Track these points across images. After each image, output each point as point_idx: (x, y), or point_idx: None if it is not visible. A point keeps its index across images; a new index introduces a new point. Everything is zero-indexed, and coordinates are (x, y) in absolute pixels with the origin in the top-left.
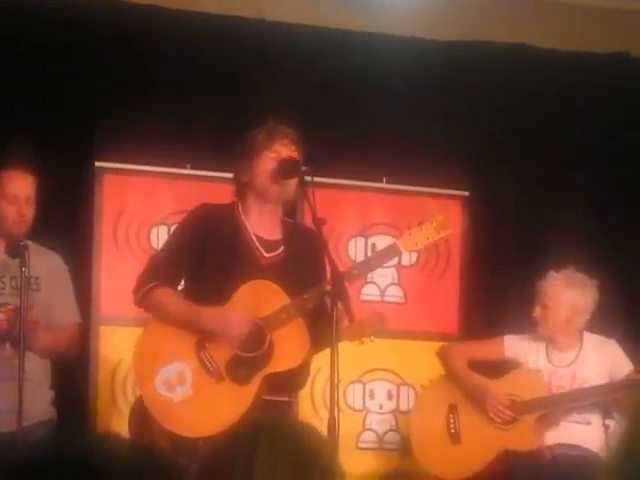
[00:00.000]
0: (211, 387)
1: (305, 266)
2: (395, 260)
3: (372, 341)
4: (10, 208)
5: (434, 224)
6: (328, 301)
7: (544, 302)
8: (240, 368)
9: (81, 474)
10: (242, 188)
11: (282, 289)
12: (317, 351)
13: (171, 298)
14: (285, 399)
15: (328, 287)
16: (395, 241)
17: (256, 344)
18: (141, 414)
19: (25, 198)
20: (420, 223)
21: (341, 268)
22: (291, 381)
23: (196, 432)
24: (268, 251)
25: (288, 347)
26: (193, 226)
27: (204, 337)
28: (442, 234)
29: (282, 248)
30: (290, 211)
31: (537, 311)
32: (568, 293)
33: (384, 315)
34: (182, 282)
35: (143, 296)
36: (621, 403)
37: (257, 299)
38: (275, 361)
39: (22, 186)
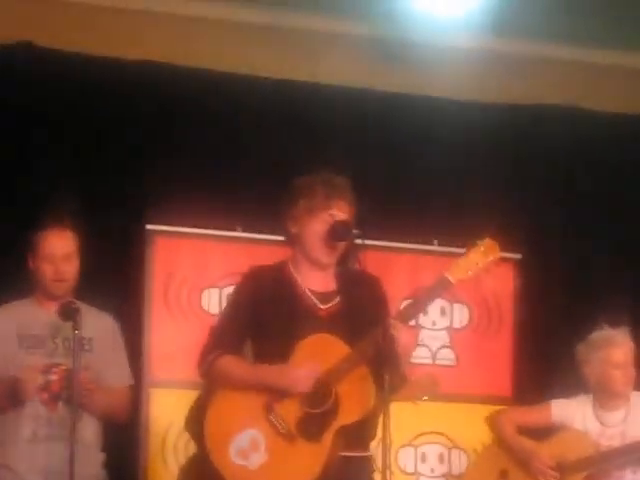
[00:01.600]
0: (285, 449)
1: (364, 312)
2: (447, 322)
3: (424, 401)
4: (48, 267)
5: (481, 249)
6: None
7: (589, 360)
8: (311, 425)
9: None
10: (292, 240)
11: (342, 339)
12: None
13: (235, 364)
14: (363, 454)
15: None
16: (444, 273)
17: (323, 399)
18: (201, 477)
19: (62, 256)
20: (467, 251)
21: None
22: (363, 433)
23: None
24: (324, 303)
25: (354, 397)
26: (248, 290)
27: (272, 399)
28: (491, 257)
29: (338, 298)
30: (342, 262)
31: (585, 373)
32: (609, 344)
33: (436, 376)
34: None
35: (208, 367)
36: None
37: (317, 353)
38: (343, 413)
39: (59, 245)
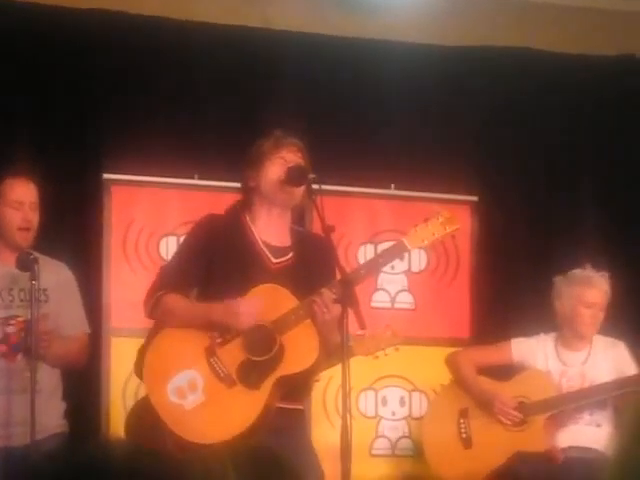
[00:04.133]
0: (223, 393)
1: (314, 272)
2: (405, 266)
3: (386, 355)
4: (15, 214)
5: (440, 220)
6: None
7: (562, 294)
8: (251, 372)
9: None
10: (249, 195)
11: (292, 292)
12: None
13: (180, 302)
14: (299, 407)
15: (334, 290)
16: (402, 239)
17: (266, 347)
18: (143, 418)
19: (29, 204)
20: (426, 219)
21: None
22: (301, 386)
23: (209, 438)
24: (276, 257)
25: (298, 349)
26: (200, 236)
27: (214, 343)
28: (448, 229)
29: (291, 254)
30: (298, 219)
31: (555, 307)
32: (598, 284)
33: (396, 330)
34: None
35: (153, 305)
36: (626, 401)
37: (265, 302)
38: (285, 364)
39: (25, 192)
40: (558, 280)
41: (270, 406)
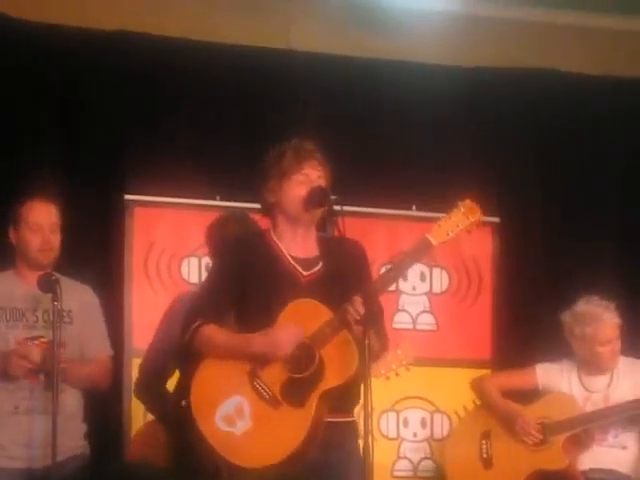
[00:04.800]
0: (270, 415)
1: (346, 277)
2: (426, 287)
3: (397, 375)
4: (35, 237)
5: (462, 210)
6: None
7: (575, 333)
8: (295, 390)
9: None
10: (271, 209)
11: (325, 304)
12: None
13: (218, 332)
14: (347, 419)
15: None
16: (425, 235)
17: (307, 363)
18: (152, 440)
19: (49, 226)
20: (448, 213)
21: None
22: (347, 397)
23: (262, 462)
24: (306, 269)
25: (338, 361)
26: (229, 259)
27: (256, 366)
28: (472, 219)
29: (320, 264)
30: (322, 226)
31: (571, 343)
32: (596, 322)
33: (405, 348)
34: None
35: (191, 336)
36: None
37: (301, 318)
38: (327, 377)
39: (45, 215)
40: (566, 317)
41: (318, 422)
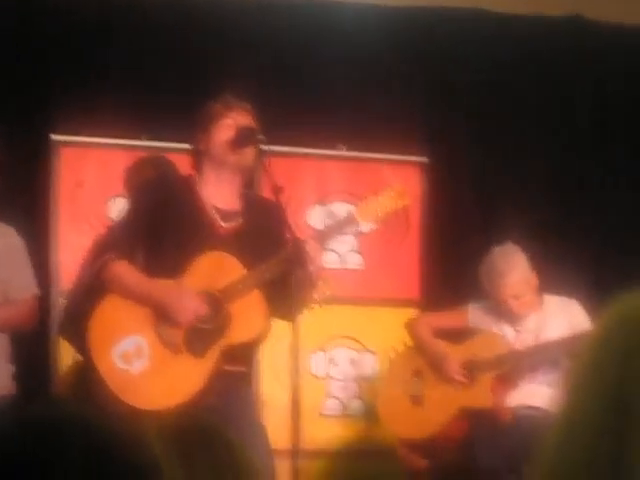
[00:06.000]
0: (169, 360)
1: (264, 237)
2: (354, 227)
3: (320, 307)
4: None
5: (391, 193)
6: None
7: (497, 285)
8: (198, 340)
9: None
10: (199, 158)
11: (240, 260)
12: (278, 318)
13: (127, 272)
14: (242, 369)
15: (287, 255)
16: (352, 211)
17: (213, 316)
18: (82, 382)
19: None
20: (377, 193)
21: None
22: (249, 352)
23: (154, 405)
24: (225, 221)
25: (245, 318)
26: (149, 198)
27: (160, 311)
28: (399, 204)
29: (241, 219)
30: (248, 181)
31: (493, 287)
32: (510, 270)
33: (330, 281)
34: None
35: (99, 268)
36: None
37: (213, 270)
38: (232, 333)
39: None
40: (482, 267)
41: (216, 373)
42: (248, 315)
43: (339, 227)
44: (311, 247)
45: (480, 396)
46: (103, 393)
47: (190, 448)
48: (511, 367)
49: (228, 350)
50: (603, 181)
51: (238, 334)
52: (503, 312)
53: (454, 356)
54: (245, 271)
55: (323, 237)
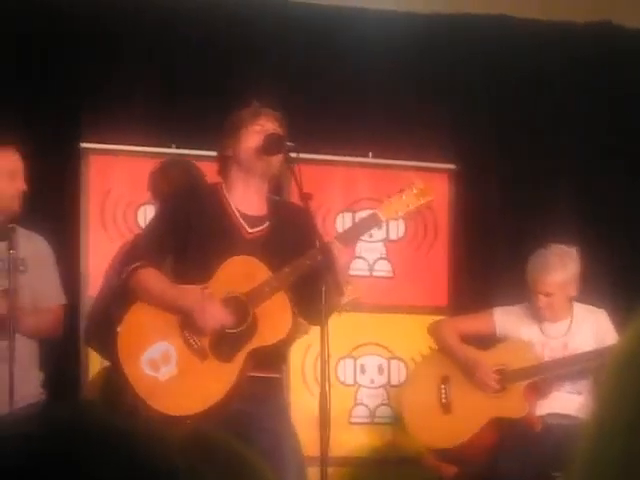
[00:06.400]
0: (196, 365)
1: (291, 241)
2: (383, 234)
3: (348, 312)
4: (8, 184)
5: (414, 191)
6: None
7: (534, 279)
8: (224, 345)
9: (74, 442)
10: (226, 164)
11: (266, 264)
12: (307, 323)
13: (154, 279)
14: (274, 375)
15: (314, 259)
16: (375, 210)
17: (239, 320)
18: (109, 388)
19: (18, 172)
20: (400, 191)
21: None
22: (277, 356)
23: (183, 410)
24: (252, 226)
25: (271, 321)
26: (176, 206)
27: (186, 317)
28: (422, 201)
29: (267, 223)
30: (276, 188)
31: (531, 282)
32: (555, 269)
33: (358, 286)
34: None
35: (127, 276)
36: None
37: (239, 275)
38: (258, 336)
39: (14, 161)
40: (529, 262)
41: (243, 378)
42: (274, 318)
43: (363, 227)
44: (336, 247)
45: (514, 406)
46: (131, 399)
47: (194, 462)
48: (542, 377)
49: (255, 354)
50: (636, 187)
51: (264, 337)
52: (532, 314)
53: (485, 363)
54: (270, 274)
55: (347, 237)
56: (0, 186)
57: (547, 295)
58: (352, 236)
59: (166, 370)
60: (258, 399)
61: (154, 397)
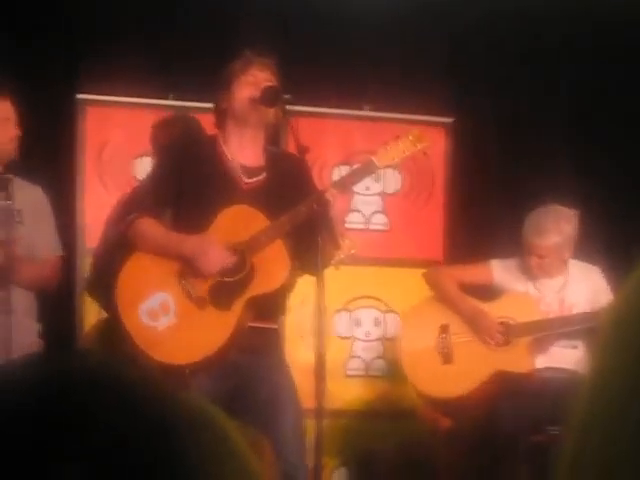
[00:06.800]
0: (194, 314)
1: (288, 191)
2: (379, 188)
3: (346, 266)
4: (1, 131)
5: (410, 137)
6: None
7: (527, 240)
8: (222, 293)
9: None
10: (222, 116)
11: (263, 214)
12: (303, 273)
13: (153, 228)
14: (272, 326)
15: (310, 207)
16: (371, 157)
17: (237, 268)
18: (107, 339)
19: (8, 120)
20: (396, 138)
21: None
22: (274, 306)
23: (181, 359)
24: (249, 177)
25: (268, 269)
26: (174, 157)
27: (186, 265)
28: (418, 146)
29: (264, 174)
30: (273, 140)
31: (525, 242)
32: (549, 231)
33: (355, 240)
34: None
35: (126, 226)
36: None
37: (237, 224)
38: (256, 284)
39: (6, 109)
40: (525, 221)
41: (241, 327)
42: (271, 266)
43: (359, 173)
44: (332, 195)
45: (520, 360)
46: (131, 349)
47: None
48: (545, 334)
49: (253, 302)
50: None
51: (262, 285)
52: (526, 270)
53: (488, 315)
54: (268, 223)
55: (343, 184)
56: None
57: (540, 257)
58: (348, 183)
59: (165, 319)
60: (257, 350)
61: (153, 347)
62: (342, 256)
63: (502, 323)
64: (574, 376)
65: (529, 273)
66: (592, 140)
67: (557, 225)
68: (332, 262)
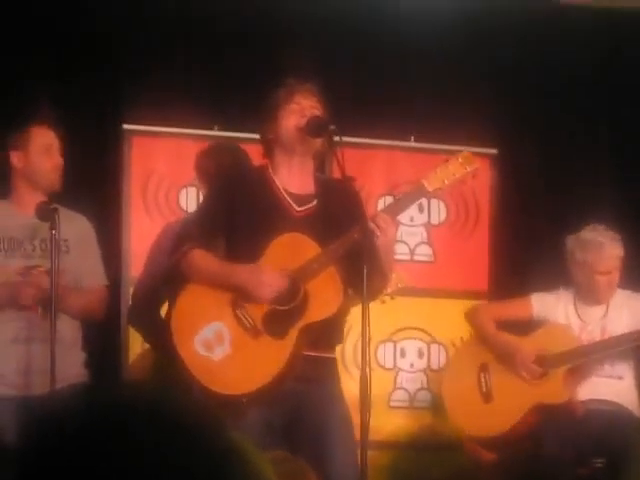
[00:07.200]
0: (249, 344)
1: (339, 217)
2: (424, 219)
3: (392, 299)
4: (46, 159)
5: (460, 160)
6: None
7: (588, 259)
8: (276, 322)
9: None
10: (270, 145)
11: (315, 241)
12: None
13: (207, 259)
14: (329, 355)
15: (360, 233)
16: (421, 181)
17: (290, 296)
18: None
19: (55, 148)
20: (446, 161)
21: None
22: (330, 334)
23: (237, 389)
24: (300, 205)
25: (322, 297)
26: (224, 188)
27: (239, 295)
28: (468, 169)
29: (315, 201)
30: (319, 167)
31: (580, 263)
32: (610, 246)
33: (402, 274)
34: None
35: (178, 259)
36: None
37: (289, 252)
38: (310, 311)
39: (49, 137)
40: (570, 241)
41: (296, 355)
42: (324, 293)
43: (409, 198)
44: (382, 219)
45: (555, 392)
46: (186, 380)
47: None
48: (581, 361)
49: (307, 330)
50: None
51: (316, 312)
52: (583, 292)
53: (524, 349)
54: (319, 250)
55: (394, 210)
56: (37, 161)
57: (606, 273)
58: (399, 208)
59: (220, 350)
60: (313, 379)
61: (210, 377)
62: (389, 290)
63: (538, 356)
64: (619, 408)
65: (590, 298)
66: (638, 172)
67: (611, 240)
68: (379, 295)
